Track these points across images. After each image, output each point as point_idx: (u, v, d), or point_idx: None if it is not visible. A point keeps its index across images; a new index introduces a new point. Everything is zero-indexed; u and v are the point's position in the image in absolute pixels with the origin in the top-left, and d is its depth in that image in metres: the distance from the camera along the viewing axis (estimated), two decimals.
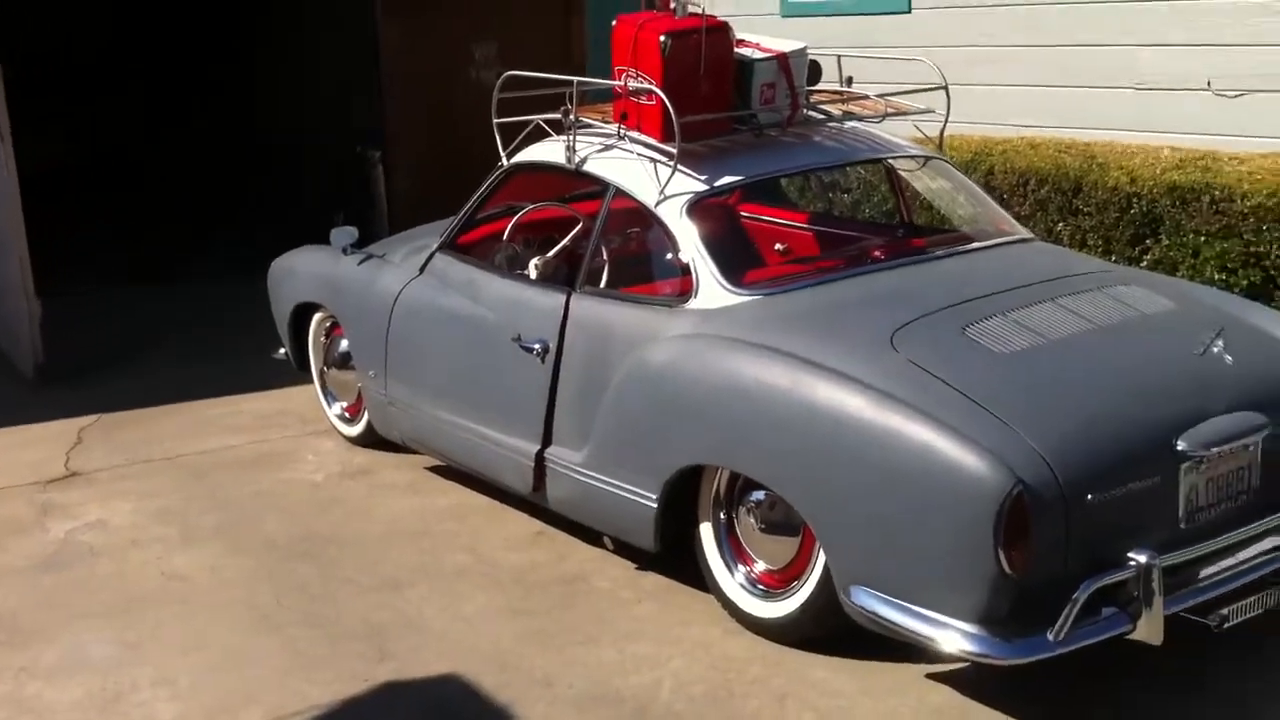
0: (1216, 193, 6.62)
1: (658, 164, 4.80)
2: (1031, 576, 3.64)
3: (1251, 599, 3.92)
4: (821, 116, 5.15)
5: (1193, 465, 3.89)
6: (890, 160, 5.50)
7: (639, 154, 4.90)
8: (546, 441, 4.92)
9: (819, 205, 7.98)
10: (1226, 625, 3.86)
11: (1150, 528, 3.82)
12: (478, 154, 5.37)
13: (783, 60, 4.89)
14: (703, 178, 4.79)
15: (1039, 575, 3.66)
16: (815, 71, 5.25)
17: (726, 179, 4.86)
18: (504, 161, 5.38)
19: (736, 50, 4.87)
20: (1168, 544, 3.82)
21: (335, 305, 6.18)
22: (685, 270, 4.66)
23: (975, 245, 5.01)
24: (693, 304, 4.57)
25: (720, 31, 4.78)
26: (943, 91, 5.24)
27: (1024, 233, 5.19)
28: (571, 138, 5.04)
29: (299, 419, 6.70)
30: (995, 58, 8.51)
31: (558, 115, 5.05)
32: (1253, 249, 6.50)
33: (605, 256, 5.05)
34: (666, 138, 4.72)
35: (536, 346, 4.90)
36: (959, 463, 3.67)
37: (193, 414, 6.93)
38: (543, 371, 4.89)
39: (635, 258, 5.15)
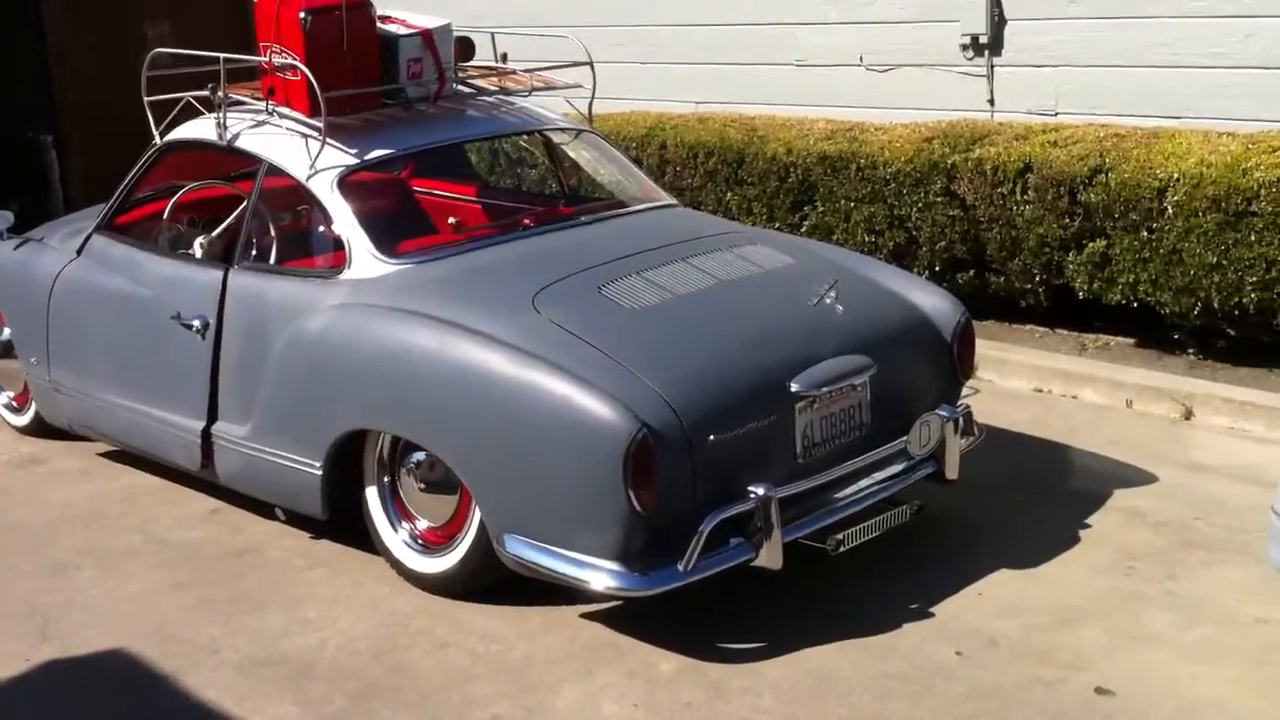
0: (862, 161, 7.11)
1: (307, 139, 4.88)
2: (661, 513, 3.93)
3: (865, 524, 4.33)
4: (472, 91, 5.34)
5: (806, 404, 4.25)
6: (546, 133, 5.73)
7: (288, 129, 4.98)
8: (212, 418, 4.95)
9: (503, 179, 8.17)
10: (843, 549, 4.25)
11: (770, 463, 4.16)
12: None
13: (427, 36, 5.05)
14: (353, 151, 4.90)
15: (668, 512, 3.95)
16: (468, 48, 5.43)
17: (376, 152, 4.99)
18: (157, 140, 5.37)
19: (381, 26, 5.00)
20: (787, 477, 4.17)
21: None
22: (339, 242, 4.77)
23: (619, 211, 5.30)
24: (347, 274, 4.68)
25: (361, 8, 4.89)
26: (589, 68, 5.49)
27: (667, 199, 5.51)
28: (222, 114, 5.08)
29: None
30: (665, 37, 8.85)
31: (206, 93, 5.06)
32: (896, 212, 7.02)
33: (262, 232, 5.11)
34: (313, 112, 4.81)
35: (196, 323, 4.92)
36: (589, 411, 3.93)
37: None
38: (204, 348, 4.92)
39: (291, 232, 5.23)
